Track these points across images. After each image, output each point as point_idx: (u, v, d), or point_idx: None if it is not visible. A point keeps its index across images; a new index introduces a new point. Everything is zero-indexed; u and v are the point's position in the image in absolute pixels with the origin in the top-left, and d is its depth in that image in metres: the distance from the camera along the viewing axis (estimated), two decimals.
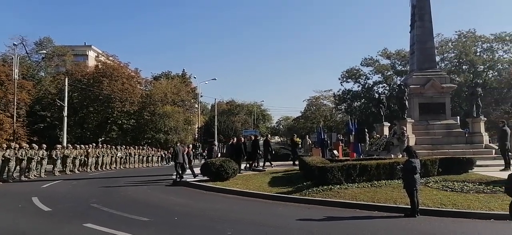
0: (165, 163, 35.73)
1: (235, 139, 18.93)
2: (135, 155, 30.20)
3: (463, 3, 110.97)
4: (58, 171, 21.50)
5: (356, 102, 60.12)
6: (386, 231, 7.40)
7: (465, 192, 10.12)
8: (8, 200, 12.00)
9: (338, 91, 62.02)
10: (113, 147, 28.64)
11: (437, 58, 40.67)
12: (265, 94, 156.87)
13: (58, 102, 34.22)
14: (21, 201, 11.34)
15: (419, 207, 8.46)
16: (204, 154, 32.19)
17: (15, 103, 32.63)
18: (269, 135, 24.92)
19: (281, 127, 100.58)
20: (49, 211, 9.69)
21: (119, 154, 27.64)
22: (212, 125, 55.04)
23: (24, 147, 19.58)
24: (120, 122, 43.56)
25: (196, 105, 57.99)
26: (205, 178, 15.06)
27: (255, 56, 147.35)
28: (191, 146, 22.11)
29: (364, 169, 11.87)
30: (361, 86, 58.98)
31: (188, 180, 15.76)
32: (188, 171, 17.02)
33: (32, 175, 19.40)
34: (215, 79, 56.95)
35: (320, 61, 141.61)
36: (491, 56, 51.55)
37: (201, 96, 58.94)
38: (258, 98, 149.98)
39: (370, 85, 58.39)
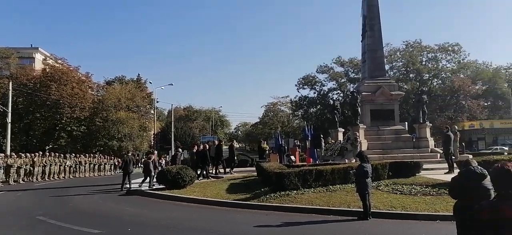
0: (118, 171, 34.42)
1: (202, 146, 18.80)
2: (85, 163, 28.81)
3: (410, 14, 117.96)
4: (1, 182, 19.99)
5: (312, 109, 61.76)
6: (340, 234, 7.60)
7: (413, 195, 10.65)
8: None
9: (295, 98, 63.47)
10: (62, 155, 27.21)
11: (387, 67, 42.89)
12: (224, 100, 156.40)
13: (1, 108, 31.94)
14: None
15: (371, 210, 8.79)
16: (160, 161, 31.43)
17: None
18: (235, 141, 24.81)
19: (239, 132, 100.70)
20: None
21: (68, 163, 26.27)
22: (169, 131, 53.89)
23: None
24: (70, 128, 41.42)
25: (152, 111, 56.53)
26: (161, 186, 14.68)
27: (214, 62, 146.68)
28: (156, 152, 21.56)
29: (320, 174, 12.14)
30: (317, 93, 60.76)
31: (142, 188, 15.28)
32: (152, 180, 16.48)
33: None
34: (172, 84, 55.74)
35: (278, 67, 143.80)
36: (435, 65, 55.32)
37: (157, 101, 57.59)
38: (216, 104, 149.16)
39: (325, 92, 60.31)
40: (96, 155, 33.07)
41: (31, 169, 22.65)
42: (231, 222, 9.05)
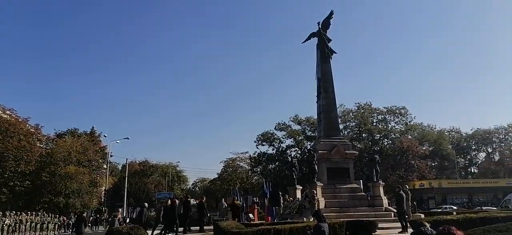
0: (63, 231, 31.95)
1: (170, 201, 18.44)
2: (26, 222, 26.54)
3: (362, 78, 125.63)
4: None
5: (271, 165, 62.04)
6: None
7: None
8: None
9: (254, 154, 63.66)
10: (1, 212, 24.94)
11: (341, 126, 44.78)
12: (182, 154, 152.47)
13: None
14: None
15: None
16: (109, 219, 29.76)
17: None
18: (204, 198, 23.96)
19: (197, 189, 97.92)
20: None
21: (7, 221, 24.13)
22: (122, 186, 51.40)
23: None
24: (12, 183, 38.36)
25: (105, 166, 53.94)
26: None
27: (172, 116, 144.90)
28: (120, 210, 20.61)
29: (278, 234, 12.00)
30: (275, 149, 61.48)
31: None
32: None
33: None
34: (128, 138, 53.79)
35: (238, 123, 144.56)
36: (385, 126, 58.56)
37: (112, 155, 55.15)
38: (174, 158, 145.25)
39: (283, 149, 61.18)
40: (39, 213, 30.67)
41: None
42: None
